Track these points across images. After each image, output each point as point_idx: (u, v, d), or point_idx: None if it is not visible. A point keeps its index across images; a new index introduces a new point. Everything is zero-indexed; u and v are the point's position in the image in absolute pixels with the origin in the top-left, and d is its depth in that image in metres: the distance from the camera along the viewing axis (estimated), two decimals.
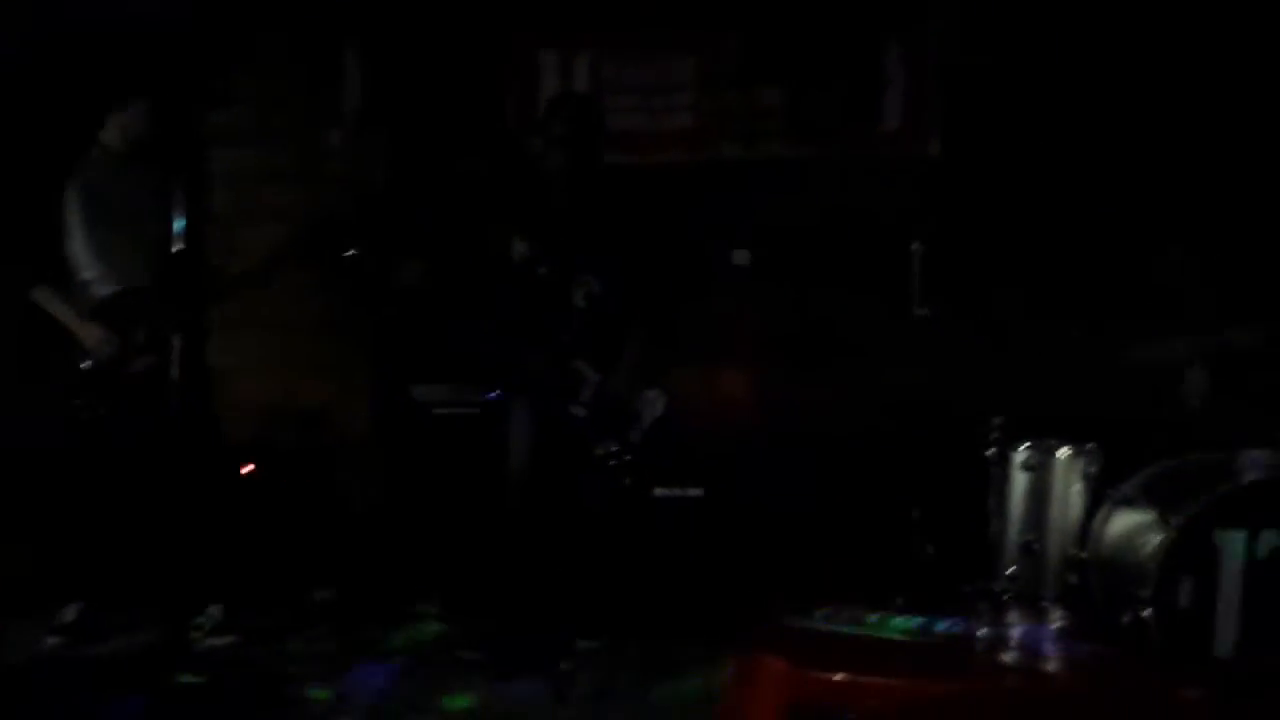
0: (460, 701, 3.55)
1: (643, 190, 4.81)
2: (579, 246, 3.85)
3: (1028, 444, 3.96)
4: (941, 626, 2.67)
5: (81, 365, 3.96)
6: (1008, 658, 2.70)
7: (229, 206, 5.06)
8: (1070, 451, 3.91)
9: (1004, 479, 3.99)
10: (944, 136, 4.92)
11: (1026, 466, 3.95)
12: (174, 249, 3.94)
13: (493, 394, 4.11)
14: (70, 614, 4.02)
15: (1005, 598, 3.83)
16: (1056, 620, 3.34)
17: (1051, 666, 2.63)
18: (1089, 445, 3.91)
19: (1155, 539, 3.47)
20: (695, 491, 4.41)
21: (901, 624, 2.62)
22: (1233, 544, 3.41)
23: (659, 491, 4.41)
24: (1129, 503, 3.76)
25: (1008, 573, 3.91)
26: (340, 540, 4.61)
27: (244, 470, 4.56)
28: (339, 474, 4.76)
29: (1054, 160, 4.67)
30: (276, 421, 4.88)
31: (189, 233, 3.94)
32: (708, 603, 4.08)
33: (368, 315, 4.70)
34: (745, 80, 5.02)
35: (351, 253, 3.76)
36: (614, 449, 3.87)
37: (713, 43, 5.05)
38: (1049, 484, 3.94)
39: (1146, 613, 3.40)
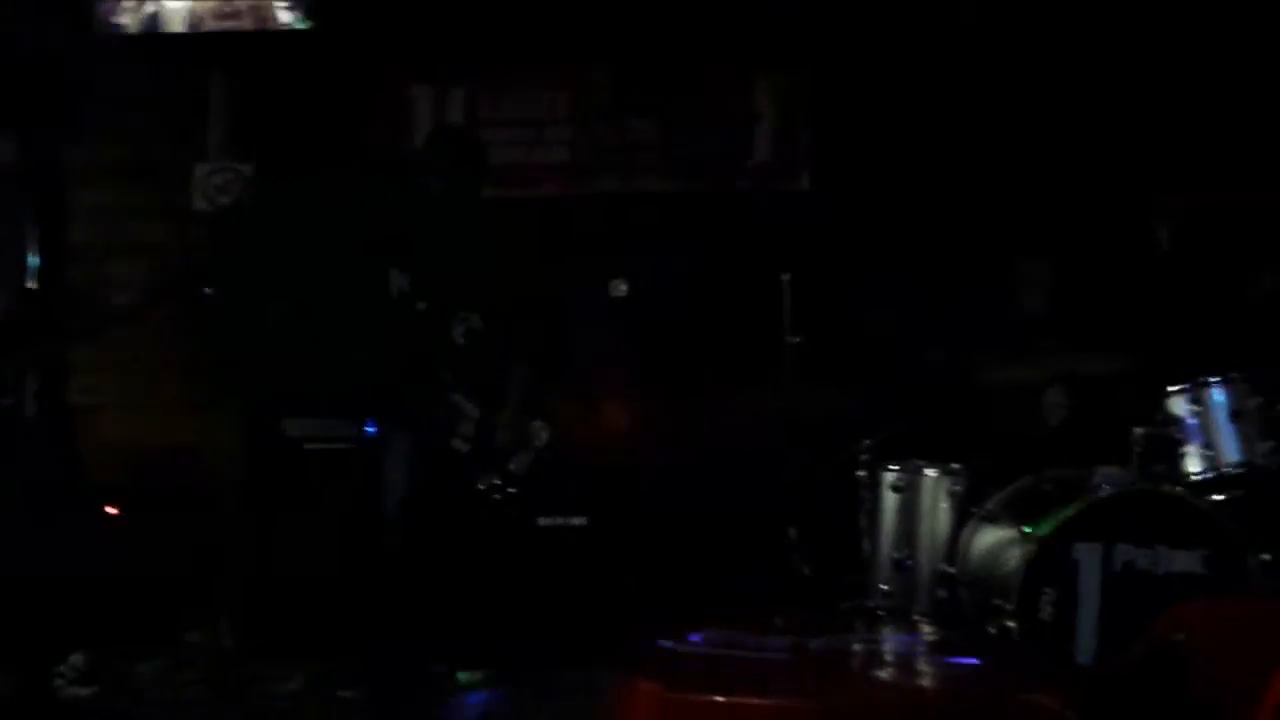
0: None
1: (521, 223, 4.85)
2: (459, 281, 3.85)
3: (896, 465, 4.08)
4: (816, 644, 2.73)
5: None
6: (878, 672, 2.77)
7: (93, 242, 4.92)
8: (937, 471, 4.05)
9: (875, 499, 4.11)
10: (813, 171, 5.06)
11: (895, 487, 4.07)
12: (29, 284, 3.81)
13: (370, 428, 4.07)
14: None
15: (879, 613, 3.94)
16: (928, 634, 3.44)
17: (920, 680, 2.71)
18: (955, 465, 4.05)
19: (1017, 553, 3.61)
20: (579, 520, 4.43)
21: (776, 642, 2.68)
22: (1090, 556, 3.57)
23: (543, 521, 4.42)
24: (993, 519, 3.91)
25: (881, 589, 4.03)
26: (212, 582, 4.49)
27: (109, 511, 4.42)
28: (210, 513, 4.65)
29: (917, 193, 4.85)
30: (144, 461, 4.75)
31: (49, 268, 3.83)
32: (591, 630, 4.10)
33: (236, 351, 4.60)
34: (619, 114, 5.10)
35: (209, 291, 3.69)
36: (496, 482, 3.87)
37: (586, 77, 5.11)
38: (918, 503, 4.07)
39: (1011, 624, 3.54)
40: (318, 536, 4.36)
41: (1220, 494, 3.76)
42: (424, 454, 3.82)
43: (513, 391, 3.86)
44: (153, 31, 4.87)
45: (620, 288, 4.65)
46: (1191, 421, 3.80)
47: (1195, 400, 3.80)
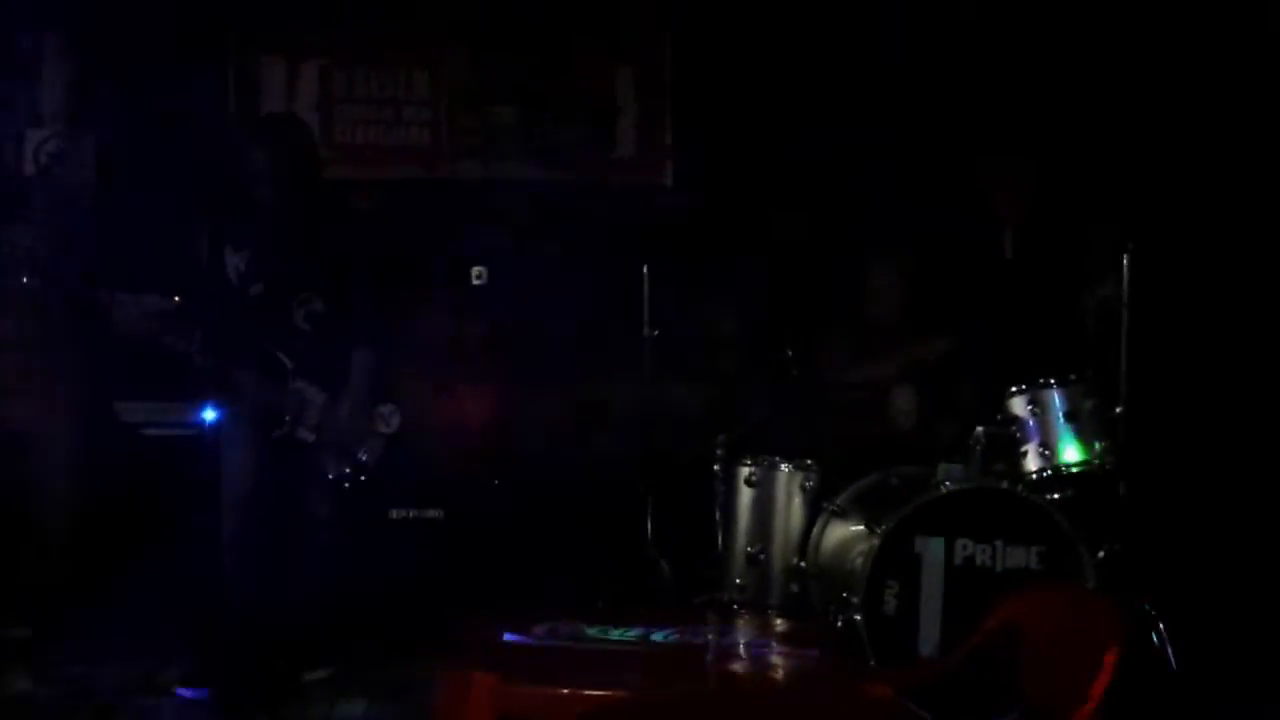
0: None
1: (377, 205, 4.73)
2: (300, 264, 3.71)
3: (750, 460, 4.11)
4: (660, 636, 2.72)
5: None
6: (722, 663, 2.77)
7: None
8: (791, 468, 4.09)
9: (730, 493, 4.12)
10: (675, 166, 5.07)
11: (750, 482, 4.10)
12: None
13: (208, 415, 3.91)
14: None
15: (734, 607, 3.96)
16: (776, 627, 3.47)
17: (763, 670, 2.72)
18: (808, 461, 4.10)
19: (863, 548, 3.67)
20: (434, 513, 4.34)
21: (620, 635, 2.65)
22: (933, 551, 3.65)
23: (395, 513, 4.32)
24: (842, 515, 3.97)
25: (735, 583, 4.05)
26: (40, 573, 4.26)
27: None
28: (39, 500, 4.41)
29: (774, 191, 4.90)
30: None
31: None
32: (439, 624, 4.01)
33: (68, 330, 4.37)
34: (480, 99, 5.02)
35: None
36: (346, 470, 3.75)
37: (446, 59, 5.01)
38: (772, 498, 4.10)
39: (857, 617, 3.60)
40: (153, 527, 4.17)
41: (1057, 492, 3.88)
42: (266, 443, 3.67)
43: (357, 377, 3.73)
44: None
45: (479, 274, 4.58)
46: (1031, 422, 3.91)
47: (1034, 401, 3.91)
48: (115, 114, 4.65)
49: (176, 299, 3.61)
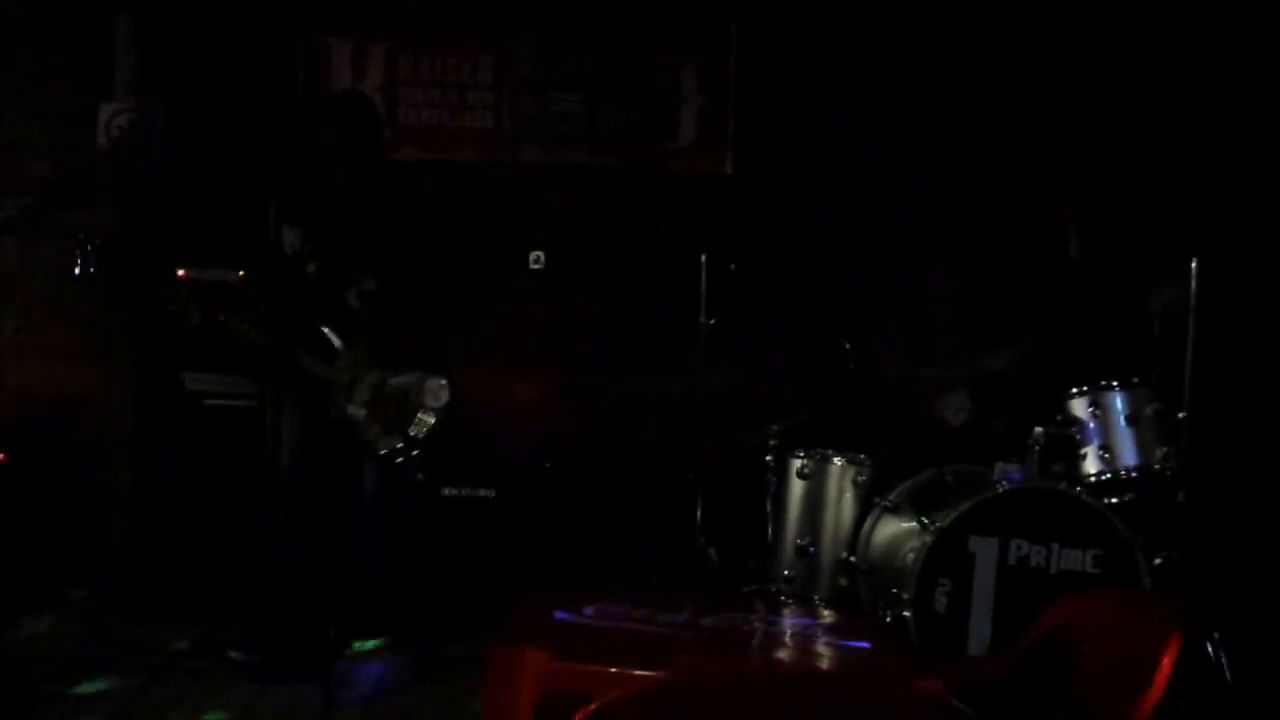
0: (213, 716, 3.39)
1: (439, 187, 4.76)
2: (356, 242, 3.74)
3: (803, 452, 4.09)
4: (708, 621, 2.72)
5: None
6: (770, 650, 2.76)
7: None
8: (844, 461, 4.06)
9: (781, 484, 4.10)
10: (736, 156, 5.05)
11: (802, 474, 4.08)
12: None
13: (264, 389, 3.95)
14: None
15: (781, 598, 3.95)
16: (824, 618, 3.46)
17: (811, 659, 2.71)
18: (861, 455, 4.07)
19: (915, 544, 3.64)
20: (486, 492, 4.37)
21: (668, 618, 2.65)
22: (986, 550, 3.61)
23: (447, 491, 4.35)
24: (895, 510, 3.94)
25: (784, 574, 4.03)
26: (98, 535, 4.35)
27: None
28: (100, 465, 4.49)
29: (835, 185, 4.87)
30: (32, 408, 4.57)
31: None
32: (489, 602, 4.04)
33: (133, 298, 4.44)
34: (543, 85, 5.03)
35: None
36: (399, 446, 3.79)
37: (511, 45, 5.03)
38: (823, 491, 4.08)
39: (907, 614, 3.57)
40: (212, 495, 4.24)
41: (1116, 496, 3.83)
42: (317, 419, 3.71)
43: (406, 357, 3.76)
44: None
45: (537, 259, 4.59)
46: (1091, 424, 3.86)
47: (1095, 403, 3.86)
48: (185, 88, 4.73)
49: (241, 274, 3.66)
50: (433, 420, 3.79)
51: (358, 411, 3.74)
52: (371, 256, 3.76)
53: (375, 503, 3.86)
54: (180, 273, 3.87)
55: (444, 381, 3.80)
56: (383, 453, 3.80)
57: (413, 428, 3.78)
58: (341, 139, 3.72)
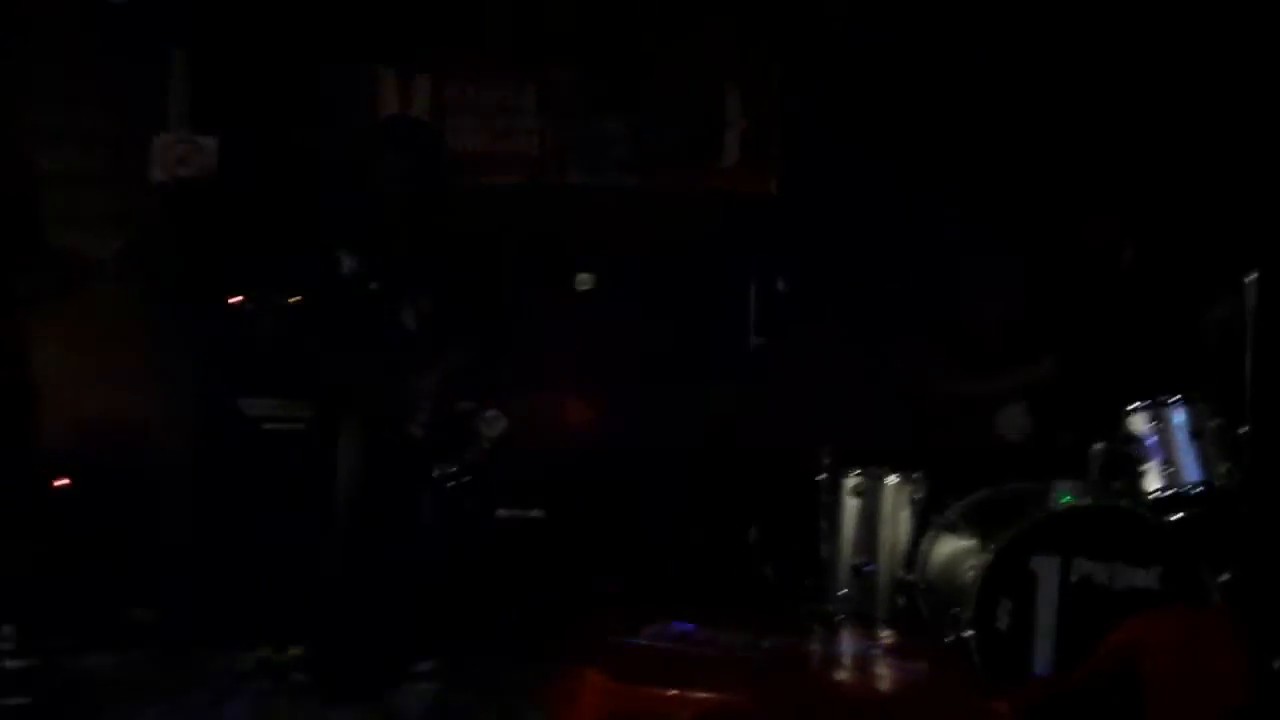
0: None
1: (486, 211, 4.80)
2: (413, 264, 3.79)
3: (858, 470, 4.06)
4: (768, 644, 2.70)
5: None
6: (830, 672, 2.74)
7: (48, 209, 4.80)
8: (898, 478, 4.03)
9: (835, 504, 4.08)
10: (781, 177, 5.05)
11: (856, 492, 4.06)
12: None
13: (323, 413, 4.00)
14: None
15: (838, 618, 3.91)
16: (884, 639, 3.43)
17: (871, 681, 2.69)
18: (916, 473, 4.04)
19: (975, 563, 3.60)
20: (537, 513, 4.38)
21: (728, 640, 2.65)
22: (1048, 568, 3.57)
23: (501, 513, 4.37)
24: (952, 528, 3.90)
25: (840, 594, 4.00)
26: (161, 558, 4.40)
27: (57, 484, 4.32)
28: (160, 489, 4.55)
29: (883, 203, 4.85)
30: (94, 434, 4.65)
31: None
32: (545, 623, 4.05)
33: (191, 325, 4.51)
34: (587, 109, 5.07)
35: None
36: (453, 469, 3.81)
37: (553, 72, 5.08)
38: (878, 509, 4.05)
39: (968, 633, 3.53)
40: (271, 518, 4.28)
41: (1178, 513, 3.77)
42: (376, 439, 3.74)
43: (445, 361, 3.79)
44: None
45: (586, 280, 4.61)
46: (1151, 440, 3.80)
47: (1156, 419, 3.80)
48: (238, 118, 4.80)
49: (298, 298, 3.71)
50: (485, 449, 3.82)
51: (416, 432, 3.78)
52: (427, 279, 3.80)
53: (433, 525, 3.88)
54: (231, 300, 3.92)
55: (498, 412, 3.83)
56: (436, 475, 3.82)
57: (468, 453, 3.80)
58: (409, 163, 3.78)
